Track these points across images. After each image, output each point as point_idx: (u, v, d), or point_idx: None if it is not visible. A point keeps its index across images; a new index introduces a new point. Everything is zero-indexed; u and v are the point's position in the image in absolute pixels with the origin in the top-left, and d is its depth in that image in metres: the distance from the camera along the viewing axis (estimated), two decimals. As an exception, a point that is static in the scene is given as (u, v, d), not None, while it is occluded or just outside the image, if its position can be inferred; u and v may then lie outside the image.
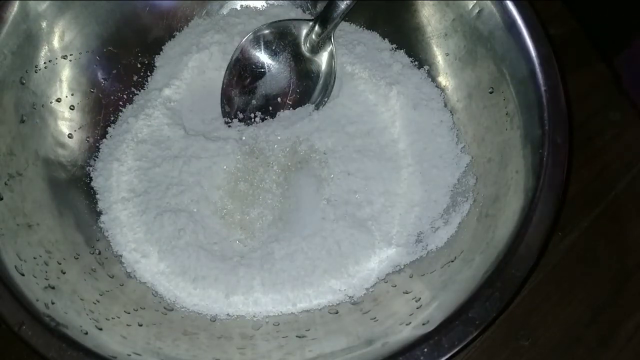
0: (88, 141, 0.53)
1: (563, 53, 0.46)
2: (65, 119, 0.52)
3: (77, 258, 0.47)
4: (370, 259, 0.49)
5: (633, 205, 0.53)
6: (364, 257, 0.49)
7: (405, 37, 0.56)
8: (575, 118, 0.43)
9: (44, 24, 0.50)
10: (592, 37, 0.59)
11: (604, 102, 0.58)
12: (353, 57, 0.56)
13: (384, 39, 0.57)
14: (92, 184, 0.52)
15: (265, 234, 0.50)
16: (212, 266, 0.48)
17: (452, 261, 0.46)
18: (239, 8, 0.59)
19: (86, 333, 0.40)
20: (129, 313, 0.45)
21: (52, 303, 0.40)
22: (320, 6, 0.57)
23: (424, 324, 0.40)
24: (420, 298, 0.45)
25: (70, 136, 0.52)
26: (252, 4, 0.59)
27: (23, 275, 0.41)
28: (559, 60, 0.45)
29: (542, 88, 0.45)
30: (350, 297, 0.48)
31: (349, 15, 0.55)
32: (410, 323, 0.42)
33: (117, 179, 0.53)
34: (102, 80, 0.54)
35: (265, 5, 0.59)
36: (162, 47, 0.57)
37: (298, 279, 0.48)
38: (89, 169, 0.52)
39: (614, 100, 0.58)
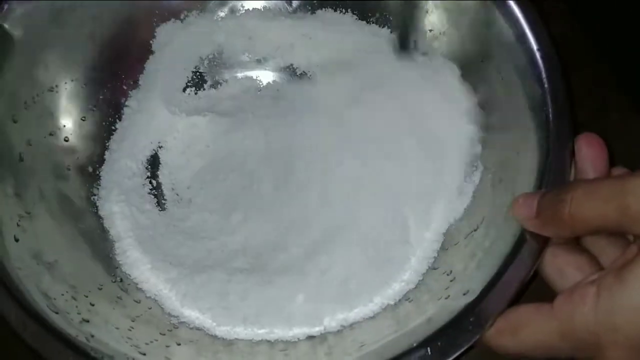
0: (87, 170, 0.52)
1: (563, 53, 0.46)
2: (61, 152, 0.51)
3: (101, 289, 0.46)
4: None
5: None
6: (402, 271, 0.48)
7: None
8: (575, 118, 0.43)
9: (28, 58, 0.49)
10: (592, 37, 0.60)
11: (604, 102, 0.58)
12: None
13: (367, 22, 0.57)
14: (100, 212, 0.51)
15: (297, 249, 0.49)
16: (240, 289, 0.47)
17: (475, 230, 0.46)
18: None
19: (133, 360, 0.40)
20: (164, 334, 0.45)
21: (92, 336, 0.40)
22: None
23: (464, 294, 0.40)
24: (451, 271, 0.45)
25: (68, 168, 0.51)
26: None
27: (57, 313, 0.40)
28: (559, 60, 0.46)
29: (535, 47, 0.46)
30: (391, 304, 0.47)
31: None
32: (449, 296, 0.42)
33: (122, 205, 0.52)
34: (91, 107, 0.53)
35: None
36: (145, 65, 0.57)
37: (337, 298, 0.46)
38: (93, 198, 0.51)
39: (614, 101, 0.58)
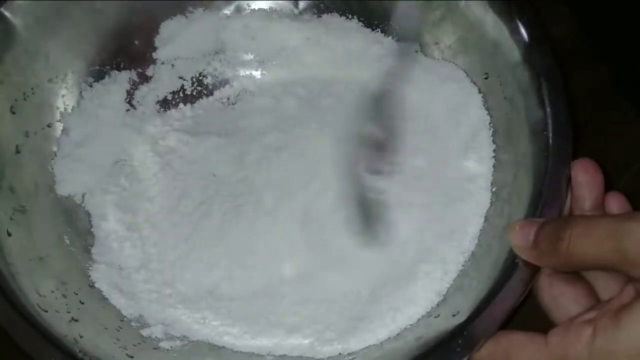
0: (83, 165, 0.52)
1: (563, 53, 0.46)
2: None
3: (92, 286, 0.46)
4: None
5: (633, 206, 0.54)
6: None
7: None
8: (575, 118, 0.43)
9: (29, 49, 0.48)
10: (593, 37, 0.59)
11: (604, 102, 0.58)
12: None
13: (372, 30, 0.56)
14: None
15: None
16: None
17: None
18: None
19: (120, 363, 0.40)
20: (151, 337, 0.45)
21: (80, 336, 0.40)
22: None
23: (453, 315, 0.41)
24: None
25: (65, 161, 0.51)
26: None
27: (46, 311, 0.40)
28: (559, 60, 0.45)
29: (539, 70, 0.46)
30: None
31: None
32: (438, 315, 0.43)
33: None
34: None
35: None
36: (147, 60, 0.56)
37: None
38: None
39: (614, 100, 0.58)
